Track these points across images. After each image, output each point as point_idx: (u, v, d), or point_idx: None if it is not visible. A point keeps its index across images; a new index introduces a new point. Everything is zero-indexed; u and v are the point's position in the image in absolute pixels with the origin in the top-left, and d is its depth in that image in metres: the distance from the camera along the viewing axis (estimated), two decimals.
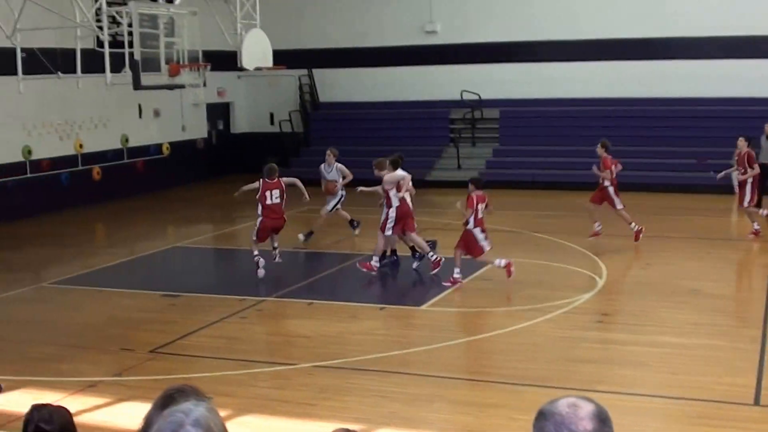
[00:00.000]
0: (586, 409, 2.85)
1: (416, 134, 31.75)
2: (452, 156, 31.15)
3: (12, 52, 21.16)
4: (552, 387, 10.98)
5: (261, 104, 35.23)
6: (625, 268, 18.30)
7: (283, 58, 27.27)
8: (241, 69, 25.89)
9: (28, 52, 21.70)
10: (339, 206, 20.98)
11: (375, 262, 17.60)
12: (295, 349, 13.28)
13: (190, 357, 12.85)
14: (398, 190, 17.37)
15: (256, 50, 25.31)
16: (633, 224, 19.97)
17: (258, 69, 25.92)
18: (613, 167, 20.00)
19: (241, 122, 35.79)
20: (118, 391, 11.44)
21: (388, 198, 17.45)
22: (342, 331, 13.94)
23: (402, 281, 18.12)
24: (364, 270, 17.39)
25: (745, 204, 20.54)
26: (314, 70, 34.38)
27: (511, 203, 26.19)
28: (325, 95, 34.57)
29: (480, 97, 31.65)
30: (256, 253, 17.70)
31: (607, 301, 15.56)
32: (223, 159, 34.18)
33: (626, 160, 22.00)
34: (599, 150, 20.14)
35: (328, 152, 20.90)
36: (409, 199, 17.65)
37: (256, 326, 14.60)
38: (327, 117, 34.02)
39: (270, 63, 26.00)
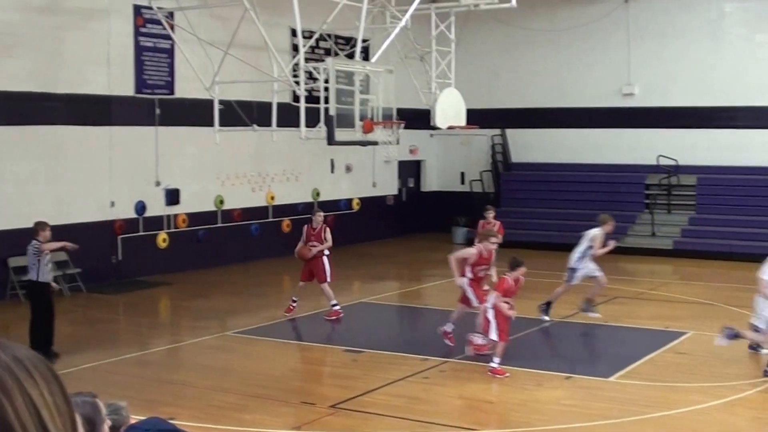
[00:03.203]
0: None
1: (610, 198, 31.07)
2: (647, 223, 30.32)
3: (210, 103, 21.69)
4: None
5: (452, 163, 35.20)
6: None
7: (476, 118, 27.14)
8: (434, 127, 25.89)
9: (225, 105, 22.19)
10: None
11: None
12: (477, 413, 12.95)
13: (370, 414, 12.65)
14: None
15: (449, 109, 25.28)
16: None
17: (451, 128, 25.86)
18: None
19: (432, 180, 35.83)
20: None
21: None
22: (526, 398, 13.53)
23: (589, 350, 17.59)
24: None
25: None
26: (507, 130, 34.17)
27: (706, 274, 25.31)
28: (517, 156, 34.28)
29: (677, 162, 30.80)
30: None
31: None
32: (412, 216, 34.22)
33: None
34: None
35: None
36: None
37: (439, 387, 14.30)
38: (519, 178, 33.68)
39: (463, 122, 25.92)
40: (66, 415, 1.35)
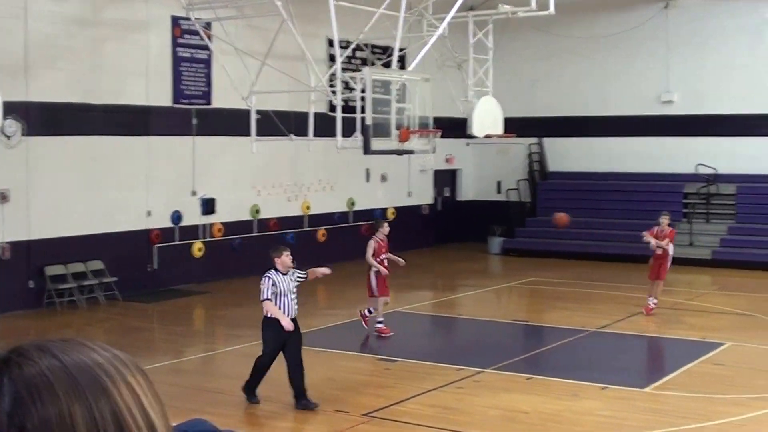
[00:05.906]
0: None
1: (648, 207, 30.72)
2: (685, 232, 29.98)
3: (246, 113, 21.78)
4: None
5: (488, 172, 35.05)
6: None
7: (513, 126, 27.07)
8: (471, 136, 25.84)
9: (263, 114, 22.27)
10: None
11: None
12: (512, 424, 12.86)
13: (403, 423, 12.62)
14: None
15: (486, 118, 25.22)
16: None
17: (487, 136, 25.79)
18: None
19: (468, 189, 35.71)
20: None
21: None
22: (561, 409, 13.43)
23: (626, 360, 17.44)
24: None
25: None
26: (544, 139, 34.02)
27: (746, 285, 25.06)
28: (554, 164, 34.11)
29: (716, 171, 30.52)
30: None
31: None
32: (448, 226, 34.13)
33: None
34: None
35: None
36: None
37: (473, 397, 14.23)
38: (556, 187, 33.47)
39: (500, 131, 25.85)
40: (160, 403, 1.46)
